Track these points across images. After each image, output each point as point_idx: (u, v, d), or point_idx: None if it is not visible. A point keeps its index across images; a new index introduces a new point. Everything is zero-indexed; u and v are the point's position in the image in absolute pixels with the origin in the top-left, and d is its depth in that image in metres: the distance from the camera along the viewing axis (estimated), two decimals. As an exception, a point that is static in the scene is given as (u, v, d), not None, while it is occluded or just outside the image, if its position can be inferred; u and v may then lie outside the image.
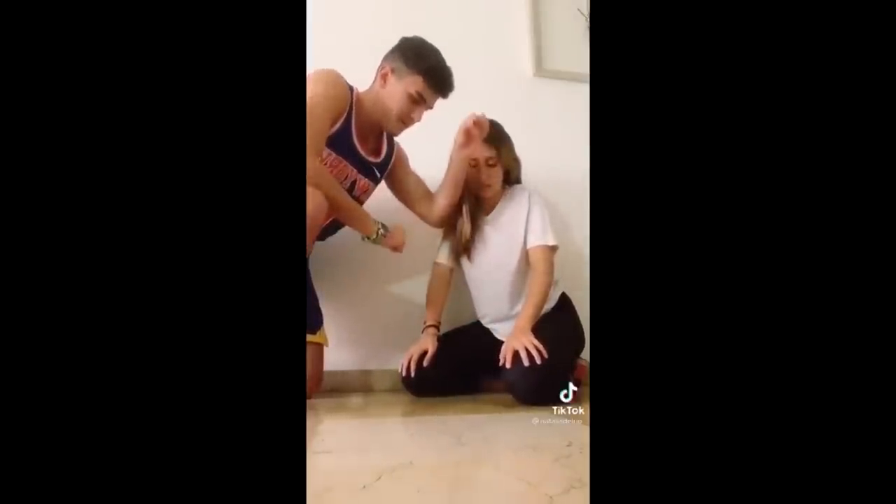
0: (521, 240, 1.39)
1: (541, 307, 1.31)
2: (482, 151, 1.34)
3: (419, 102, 1.23)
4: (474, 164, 1.35)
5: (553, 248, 1.38)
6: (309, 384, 1.26)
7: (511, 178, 1.45)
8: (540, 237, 1.37)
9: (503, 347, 1.23)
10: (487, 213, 1.44)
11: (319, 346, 1.31)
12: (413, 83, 1.21)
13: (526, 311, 1.29)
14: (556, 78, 1.74)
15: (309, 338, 1.27)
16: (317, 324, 1.32)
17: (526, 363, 1.16)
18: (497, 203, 1.44)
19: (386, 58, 1.26)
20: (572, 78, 1.72)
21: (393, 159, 1.38)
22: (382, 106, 1.24)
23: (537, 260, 1.36)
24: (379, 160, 1.33)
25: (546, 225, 1.38)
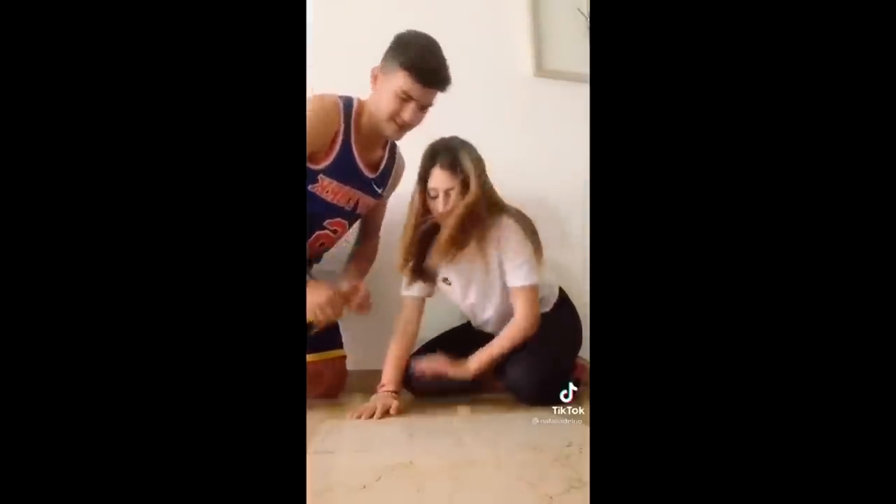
0: (501, 278, 1.25)
1: (506, 352, 1.21)
2: (442, 182, 1.15)
3: (407, 100, 1.11)
4: (434, 196, 1.17)
5: (533, 288, 1.23)
6: (333, 391, 1.34)
7: (487, 205, 1.20)
8: (518, 277, 1.21)
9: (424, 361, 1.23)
10: (462, 248, 1.19)
11: (342, 359, 1.37)
12: (396, 79, 1.10)
13: (488, 351, 1.20)
14: (556, 78, 1.73)
15: (335, 353, 1.36)
16: (339, 342, 1.38)
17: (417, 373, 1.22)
18: (472, 236, 1.19)
19: (382, 58, 1.17)
20: (572, 78, 1.72)
21: (392, 175, 1.30)
22: (376, 110, 1.15)
23: (517, 302, 1.23)
24: (375, 175, 1.25)
25: (524, 261, 1.21)
